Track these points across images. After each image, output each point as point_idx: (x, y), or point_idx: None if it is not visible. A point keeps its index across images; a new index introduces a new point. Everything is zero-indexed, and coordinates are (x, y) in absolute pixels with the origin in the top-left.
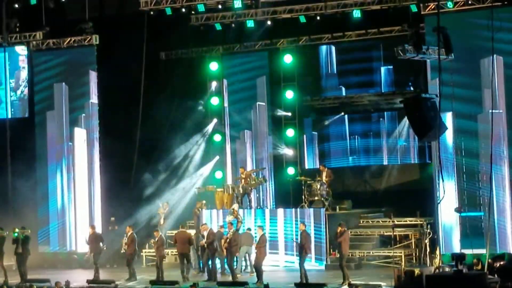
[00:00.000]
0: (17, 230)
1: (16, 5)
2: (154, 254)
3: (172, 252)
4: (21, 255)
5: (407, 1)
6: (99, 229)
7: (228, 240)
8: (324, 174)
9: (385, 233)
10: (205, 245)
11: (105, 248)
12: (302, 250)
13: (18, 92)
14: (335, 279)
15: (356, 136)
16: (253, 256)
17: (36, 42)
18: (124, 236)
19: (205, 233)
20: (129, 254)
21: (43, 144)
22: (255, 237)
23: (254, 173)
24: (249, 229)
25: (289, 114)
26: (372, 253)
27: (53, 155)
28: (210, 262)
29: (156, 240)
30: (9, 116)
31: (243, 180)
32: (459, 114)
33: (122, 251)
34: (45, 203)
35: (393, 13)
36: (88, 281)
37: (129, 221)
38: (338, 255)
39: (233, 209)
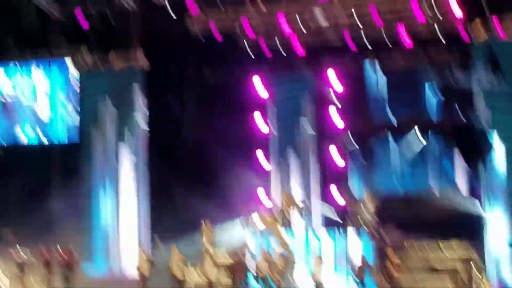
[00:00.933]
0: (63, 254)
1: (66, 25)
2: (200, 274)
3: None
4: (67, 275)
5: (458, 27)
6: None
7: (273, 264)
8: (370, 199)
9: (433, 261)
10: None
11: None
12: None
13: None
14: None
15: (403, 162)
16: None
17: (83, 62)
18: (170, 256)
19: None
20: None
21: (89, 164)
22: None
23: (299, 197)
24: (287, 249)
25: (335, 138)
26: (420, 280)
27: (99, 176)
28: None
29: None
30: (63, 135)
31: (288, 203)
32: (510, 141)
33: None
34: (92, 221)
35: (443, 39)
36: None
37: (175, 242)
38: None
39: (278, 233)
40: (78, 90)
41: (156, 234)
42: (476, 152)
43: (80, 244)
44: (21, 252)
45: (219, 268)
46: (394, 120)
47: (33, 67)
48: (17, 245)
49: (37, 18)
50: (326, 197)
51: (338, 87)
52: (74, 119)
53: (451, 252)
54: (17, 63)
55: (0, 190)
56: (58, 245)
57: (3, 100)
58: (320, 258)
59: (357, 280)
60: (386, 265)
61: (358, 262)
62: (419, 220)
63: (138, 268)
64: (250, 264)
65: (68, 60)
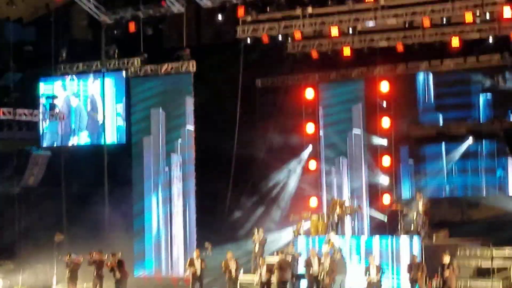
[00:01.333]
0: (108, 264)
1: (115, 32)
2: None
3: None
4: (119, 281)
5: (507, 29)
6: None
7: (325, 270)
8: (420, 203)
9: (483, 264)
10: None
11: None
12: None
13: (124, 118)
14: None
15: (453, 166)
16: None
17: (134, 68)
18: (225, 260)
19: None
20: (234, 279)
21: (140, 170)
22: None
23: (349, 201)
24: (336, 250)
25: (385, 142)
26: (470, 284)
27: (150, 181)
28: None
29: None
30: (115, 141)
31: (338, 208)
32: None
33: (231, 275)
34: (141, 226)
35: (492, 42)
36: None
37: (224, 247)
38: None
39: (329, 239)
40: (127, 94)
41: (203, 236)
42: None
43: (129, 246)
44: (73, 255)
45: (270, 270)
46: (443, 122)
47: (85, 71)
48: (69, 248)
49: (88, 25)
50: (375, 198)
51: (387, 90)
52: (124, 122)
53: (500, 253)
54: (69, 67)
55: (52, 192)
56: (108, 248)
57: (55, 103)
58: (373, 258)
59: (410, 280)
60: (445, 266)
61: (408, 262)
62: (468, 222)
63: (190, 268)
64: (299, 265)
65: (118, 65)
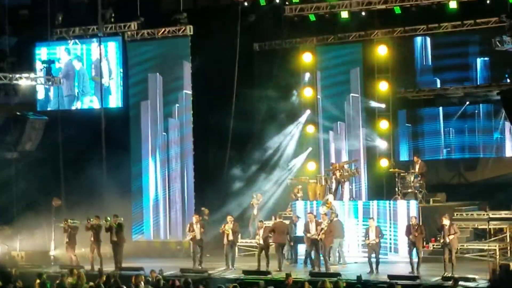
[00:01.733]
0: (109, 218)
1: None
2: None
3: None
4: (116, 244)
5: None
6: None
7: (323, 231)
8: (417, 166)
9: (480, 226)
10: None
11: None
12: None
13: (121, 82)
14: (428, 272)
15: (450, 129)
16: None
17: (131, 32)
18: (225, 224)
19: (313, 224)
20: (232, 243)
21: (137, 134)
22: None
23: (347, 165)
24: (334, 213)
25: (383, 106)
26: (466, 246)
27: (147, 145)
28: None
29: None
30: (120, 105)
31: (336, 172)
32: None
33: (230, 239)
34: (139, 190)
35: (490, 4)
36: (182, 270)
37: (222, 211)
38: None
39: (327, 200)
40: (125, 58)
41: (201, 201)
42: None
43: (127, 210)
44: (70, 220)
45: (268, 233)
46: (440, 84)
47: (81, 35)
48: (66, 212)
49: None
50: (373, 162)
51: (385, 53)
52: (122, 86)
53: (497, 215)
54: (66, 31)
55: (49, 157)
56: (106, 211)
57: (52, 67)
58: (373, 221)
59: (409, 243)
60: (445, 228)
61: (407, 224)
62: (465, 184)
63: (190, 233)
64: (297, 228)
65: (115, 29)
